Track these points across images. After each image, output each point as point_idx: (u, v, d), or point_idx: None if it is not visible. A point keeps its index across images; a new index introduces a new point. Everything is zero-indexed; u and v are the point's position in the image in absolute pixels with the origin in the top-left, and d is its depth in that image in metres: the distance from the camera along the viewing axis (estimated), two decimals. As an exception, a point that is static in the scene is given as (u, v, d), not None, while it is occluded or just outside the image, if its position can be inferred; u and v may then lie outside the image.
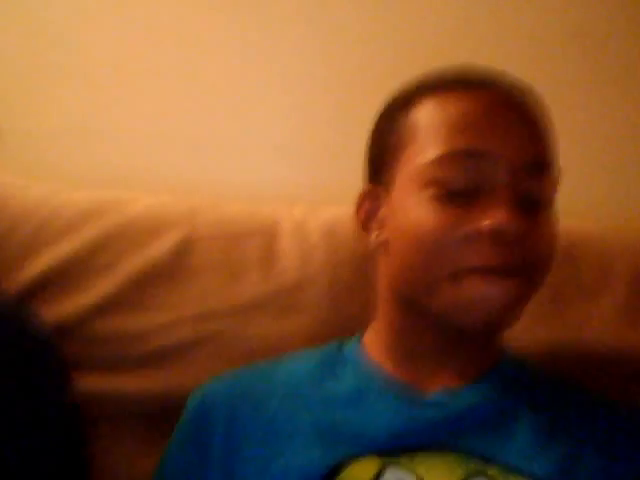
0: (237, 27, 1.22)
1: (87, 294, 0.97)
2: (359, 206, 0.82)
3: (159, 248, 1.00)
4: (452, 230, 0.70)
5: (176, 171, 1.18)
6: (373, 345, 0.82)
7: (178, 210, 1.04)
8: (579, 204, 1.17)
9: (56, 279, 0.97)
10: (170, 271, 0.99)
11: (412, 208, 0.73)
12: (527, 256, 0.71)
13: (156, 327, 0.97)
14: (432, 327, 0.76)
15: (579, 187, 1.19)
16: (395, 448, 0.72)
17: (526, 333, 0.96)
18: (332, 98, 1.20)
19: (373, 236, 0.80)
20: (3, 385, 0.79)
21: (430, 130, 0.74)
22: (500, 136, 0.72)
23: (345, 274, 1.00)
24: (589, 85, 1.22)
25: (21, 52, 1.16)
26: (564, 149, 1.18)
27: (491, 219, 0.69)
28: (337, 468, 0.71)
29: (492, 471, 0.70)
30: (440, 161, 0.72)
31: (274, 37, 1.22)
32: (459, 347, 0.78)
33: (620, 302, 0.99)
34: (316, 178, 1.17)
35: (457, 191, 0.71)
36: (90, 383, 0.93)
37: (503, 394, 0.77)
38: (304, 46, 1.22)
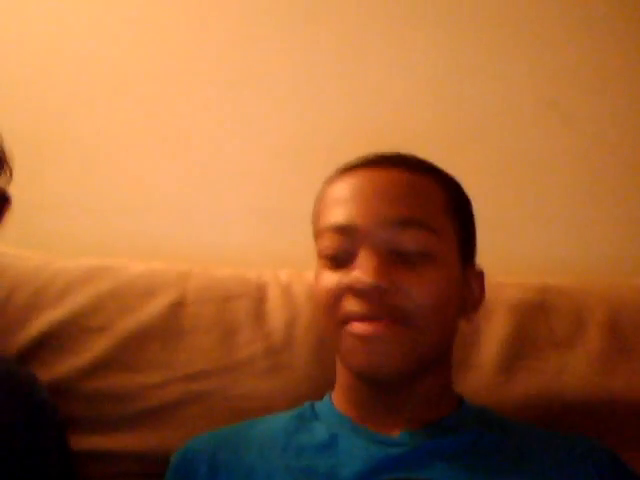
0: (221, 97, 1.30)
1: (81, 356, 1.01)
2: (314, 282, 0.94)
3: (151, 311, 1.04)
4: (332, 290, 0.83)
5: (166, 238, 1.24)
6: (338, 400, 0.90)
7: (169, 275, 1.09)
8: (551, 258, 1.24)
9: (51, 342, 1.01)
10: (161, 333, 1.03)
11: (316, 276, 0.87)
12: (398, 303, 0.80)
13: (147, 387, 1.00)
14: (356, 378, 0.85)
15: (552, 242, 1.26)
16: None
17: (502, 386, 1.01)
18: (315, 166, 1.26)
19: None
20: (4, 443, 0.82)
21: (320, 213, 0.88)
22: (359, 208, 0.83)
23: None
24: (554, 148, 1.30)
25: (16, 128, 1.22)
26: (538, 206, 1.27)
27: (350, 277, 0.80)
28: None
29: None
30: (319, 236, 0.86)
31: (260, 103, 1.30)
32: (395, 396, 0.85)
33: (594, 352, 1.03)
34: (300, 242, 1.22)
35: (334, 258, 0.84)
36: (83, 442, 0.96)
37: (461, 431, 0.85)
38: (288, 112, 1.30)
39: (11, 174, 0.88)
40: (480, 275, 0.91)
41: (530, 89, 1.31)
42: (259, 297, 1.09)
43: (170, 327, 1.04)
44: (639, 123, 1.30)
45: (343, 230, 0.83)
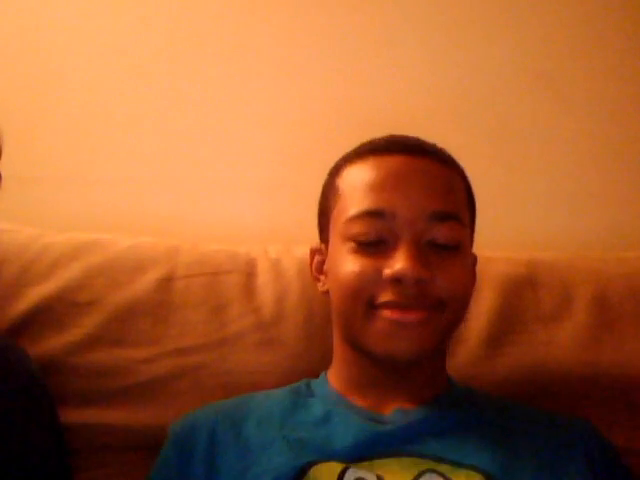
0: (218, 80, 1.29)
1: (70, 331, 1.00)
2: (311, 260, 0.96)
3: (140, 286, 1.04)
4: (364, 276, 0.83)
5: (155, 213, 1.24)
6: (335, 378, 0.92)
7: (159, 250, 1.09)
8: (539, 234, 1.25)
9: (40, 317, 1.01)
10: (151, 308, 1.03)
11: (338, 259, 0.86)
12: (432, 293, 0.82)
13: (137, 362, 1.00)
14: (370, 360, 0.86)
15: (540, 218, 1.27)
16: (357, 455, 0.80)
17: (490, 359, 1.03)
18: (306, 143, 1.27)
19: (320, 285, 0.93)
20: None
21: (348, 194, 0.88)
22: (400, 196, 0.84)
23: (319, 310, 1.05)
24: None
25: (3, 102, 1.21)
26: (526, 181, 1.28)
27: (391, 268, 0.81)
28: (304, 470, 0.79)
29: (443, 468, 0.79)
30: (352, 220, 0.85)
31: (253, 85, 1.29)
32: (402, 376, 0.87)
33: (581, 326, 1.05)
34: (290, 218, 1.23)
35: (367, 243, 0.84)
36: (75, 416, 0.96)
37: (452, 410, 0.87)
38: (281, 92, 1.29)
39: (1, 152, 0.88)
40: (474, 259, 0.93)
41: (521, 62, 1.31)
42: (249, 272, 1.09)
43: (160, 302, 1.04)
44: (629, 98, 1.31)
45: (381, 216, 0.83)
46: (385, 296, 0.81)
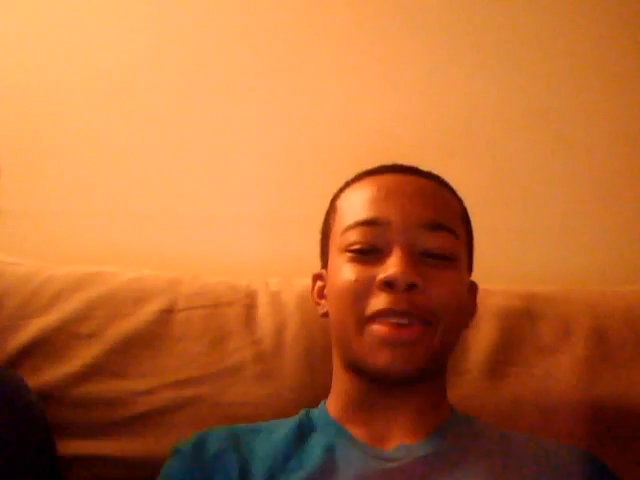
0: (219, 116, 1.32)
1: (71, 362, 1.01)
2: (312, 285, 0.98)
3: (141, 318, 1.05)
4: (360, 283, 0.85)
5: (157, 247, 1.25)
6: (333, 407, 0.91)
7: (159, 281, 1.10)
8: (537, 268, 1.25)
9: (42, 348, 1.01)
10: (151, 339, 1.04)
11: (336, 271, 0.89)
12: (424, 304, 0.83)
13: (137, 393, 1.01)
14: (370, 383, 0.86)
15: (540, 252, 1.28)
16: None
17: (489, 391, 1.03)
18: (305, 177, 1.29)
19: (319, 308, 0.95)
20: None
21: (345, 209, 0.91)
22: (394, 206, 0.87)
23: (319, 342, 1.05)
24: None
25: (7, 137, 1.22)
26: (525, 216, 1.29)
27: (384, 272, 0.83)
28: None
29: None
30: (348, 230, 0.88)
31: (252, 120, 1.31)
32: (400, 400, 0.87)
33: (579, 359, 1.05)
34: (291, 251, 1.24)
35: (362, 252, 0.86)
36: (73, 448, 0.96)
37: (453, 445, 0.86)
38: (279, 127, 1.31)
39: None
40: (474, 287, 0.94)
41: (522, 99, 1.33)
42: (249, 304, 1.09)
43: (160, 333, 1.05)
44: (627, 136, 1.32)
45: (375, 224, 0.86)
46: (377, 304, 0.82)
